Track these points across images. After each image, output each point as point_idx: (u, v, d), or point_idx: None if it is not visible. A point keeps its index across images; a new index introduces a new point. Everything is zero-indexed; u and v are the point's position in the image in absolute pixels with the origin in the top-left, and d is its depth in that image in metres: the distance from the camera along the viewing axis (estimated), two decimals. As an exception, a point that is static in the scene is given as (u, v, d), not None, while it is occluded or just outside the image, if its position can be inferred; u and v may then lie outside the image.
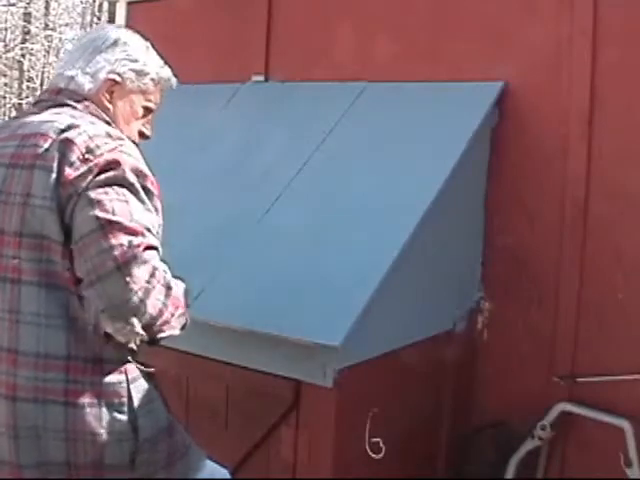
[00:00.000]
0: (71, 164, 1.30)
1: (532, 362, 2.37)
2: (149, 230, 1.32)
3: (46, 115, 1.42)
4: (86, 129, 1.36)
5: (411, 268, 2.01)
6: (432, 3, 2.56)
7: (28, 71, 12.75)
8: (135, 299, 1.27)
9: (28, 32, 12.49)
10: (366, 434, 1.88)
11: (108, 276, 1.26)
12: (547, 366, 2.32)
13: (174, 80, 1.59)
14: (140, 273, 1.27)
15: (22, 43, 12.45)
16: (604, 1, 2.23)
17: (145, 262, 1.28)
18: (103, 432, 1.33)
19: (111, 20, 9.37)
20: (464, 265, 2.40)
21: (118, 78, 1.49)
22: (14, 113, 12.63)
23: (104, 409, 1.34)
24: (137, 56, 1.52)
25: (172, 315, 1.36)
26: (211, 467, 1.53)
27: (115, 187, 1.31)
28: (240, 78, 2.87)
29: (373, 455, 1.89)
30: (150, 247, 1.30)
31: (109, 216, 1.28)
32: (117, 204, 1.29)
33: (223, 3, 3.07)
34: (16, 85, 12.71)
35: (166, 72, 1.57)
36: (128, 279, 1.26)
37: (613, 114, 2.23)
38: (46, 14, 13.02)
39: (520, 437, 2.29)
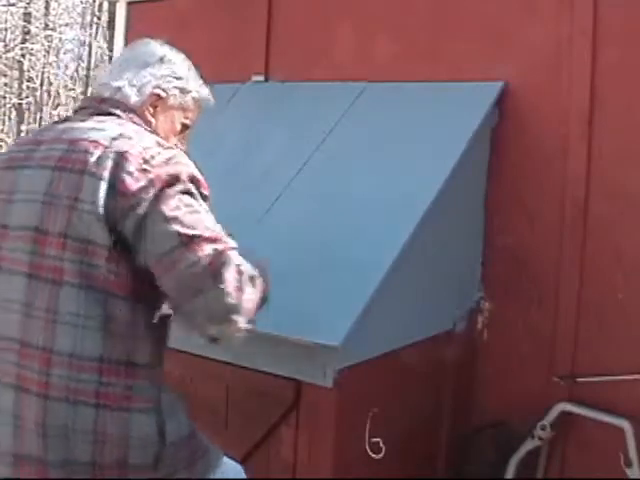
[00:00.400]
0: (130, 174, 1.34)
1: (532, 362, 2.37)
2: (222, 233, 1.39)
3: (92, 122, 1.46)
4: (138, 139, 1.41)
5: (411, 268, 2.01)
6: (432, 3, 2.56)
7: (28, 71, 12.74)
8: (234, 301, 1.33)
9: (28, 32, 12.48)
10: (366, 434, 1.88)
11: (205, 287, 1.31)
12: (547, 366, 2.33)
13: (212, 99, 1.65)
14: (231, 276, 1.33)
15: (22, 43, 12.45)
16: (604, 1, 2.23)
17: (231, 264, 1.34)
18: (131, 435, 1.35)
19: (111, 20, 9.38)
20: (464, 265, 2.40)
21: (163, 93, 1.55)
22: (14, 113, 12.66)
23: (134, 413, 1.36)
24: (181, 74, 1.59)
25: (261, 299, 1.44)
26: (229, 464, 1.56)
27: (183, 200, 1.36)
28: (240, 78, 2.87)
29: (373, 455, 1.89)
30: (231, 249, 1.36)
31: (189, 231, 1.33)
32: (190, 217, 1.35)
33: (223, 3, 3.07)
34: (16, 85, 12.70)
35: (205, 91, 1.64)
36: (222, 285, 1.31)
37: (613, 114, 2.23)
38: (46, 14, 13.01)
39: (520, 437, 2.29)
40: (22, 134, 12.36)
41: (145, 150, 1.38)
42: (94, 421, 1.33)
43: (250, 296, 1.38)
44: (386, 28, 2.64)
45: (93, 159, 1.36)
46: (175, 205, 1.35)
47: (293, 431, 1.88)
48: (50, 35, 12.72)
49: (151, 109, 1.54)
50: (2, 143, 12.25)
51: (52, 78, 13.01)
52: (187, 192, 1.38)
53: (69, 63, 13.67)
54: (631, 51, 2.20)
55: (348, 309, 1.82)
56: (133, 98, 1.52)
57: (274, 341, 1.84)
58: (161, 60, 1.57)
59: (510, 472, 2.28)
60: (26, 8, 12.31)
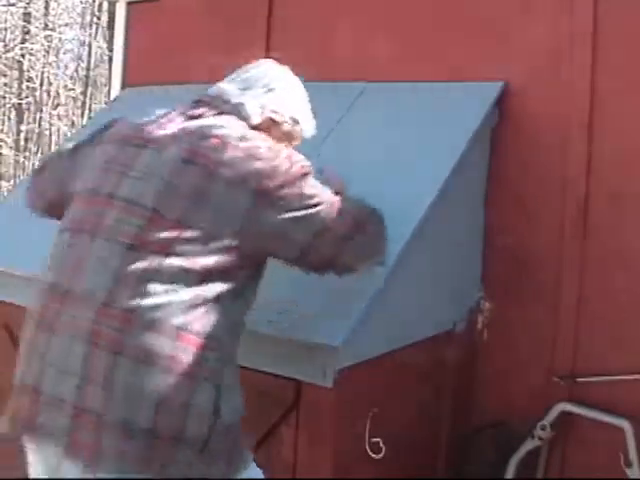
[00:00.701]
0: (262, 175, 1.48)
1: (532, 362, 2.37)
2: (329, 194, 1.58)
3: (214, 120, 1.56)
4: (262, 141, 1.55)
5: (411, 268, 2.01)
6: (432, 3, 2.57)
7: (28, 71, 12.74)
8: (377, 235, 1.67)
9: (28, 32, 12.48)
10: (366, 434, 1.88)
11: (352, 237, 1.58)
12: (547, 366, 2.33)
13: (314, 133, 1.81)
14: (369, 229, 1.64)
15: (22, 43, 12.44)
16: (604, 1, 2.23)
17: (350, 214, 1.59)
18: (190, 404, 1.41)
19: (111, 20, 9.38)
20: (464, 265, 2.40)
21: (279, 119, 1.67)
22: (14, 113, 12.65)
23: (199, 383, 1.43)
24: (298, 105, 1.74)
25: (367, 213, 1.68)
26: (254, 466, 1.61)
27: (306, 191, 1.54)
28: (240, 78, 2.86)
29: (373, 455, 1.89)
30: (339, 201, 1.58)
31: (323, 200, 1.55)
32: (318, 189, 1.56)
33: (223, 3, 3.07)
34: (16, 85, 12.69)
35: (312, 125, 1.79)
36: (366, 229, 1.62)
37: (613, 114, 2.23)
38: (46, 14, 13.01)
39: (520, 437, 2.29)
40: (22, 134, 12.37)
41: (269, 153, 1.52)
42: (159, 385, 1.39)
43: (379, 234, 1.68)
44: (386, 28, 2.64)
45: (225, 157, 1.48)
46: (308, 191, 1.53)
47: (293, 431, 1.88)
48: (50, 35, 12.72)
49: (265, 131, 1.63)
50: (2, 143, 12.25)
51: (52, 78, 13.00)
52: (308, 178, 1.55)
53: (69, 63, 13.68)
54: (631, 51, 2.20)
55: (348, 309, 1.82)
56: (254, 117, 1.62)
57: (274, 341, 1.84)
58: (284, 87, 1.71)
59: (510, 472, 2.28)
60: (26, 8, 12.30)
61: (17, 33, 12.74)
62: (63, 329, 1.44)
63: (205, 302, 1.44)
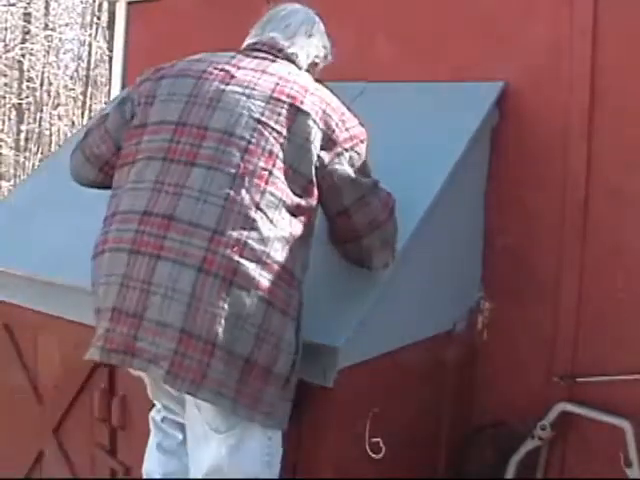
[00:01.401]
0: (337, 125, 1.62)
1: (532, 362, 2.37)
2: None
3: (287, 67, 1.71)
4: (328, 94, 1.70)
5: (411, 268, 2.01)
6: (432, 3, 2.56)
7: (28, 71, 12.73)
8: (395, 232, 1.79)
9: (28, 32, 12.47)
10: (366, 434, 1.88)
11: (385, 222, 1.73)
12: (547, 366, 2.32)
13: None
14: (395, 222, 1.78)
15: (22, 43, 12.44)
16: (604, 1, 2.23)
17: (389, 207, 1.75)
18: (282, 339, 1.51)
19: (111, 20, 9.37)
20: (464, 265, 2.40)
21: (319, 61, 1.87)
22: (14, 113, 12.65)
23: (289, 319, 1.54)
24: (326, 43, 1.90)
25: None
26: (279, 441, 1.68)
27: (365, 154, 1.71)
28: (240, 78, 2.86)
29: (373, 455, 1.89)
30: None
31: (375, 177, 1.73)
32: (368, 168, 1.72)
33: (223, 3, 3.07)
34: (16, 85, 12.69)
35: (332, 54, 1.96)
36: (394, 221, 1.76)
37: (613, 114, 2.23)
38: (46, 14, 13.00)
39: (520, 437, 2.29)
40: (22, 134, 12.37)
41: (339, 106, 1.68)
42: (261, 315, 1.48)
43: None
44: (386, 28, 2.64)
45: (306, 100, 1.60)
46: (366, 161, 1.69)
47: (293, 431, 1.87)
48: (50, 35, 12.71)
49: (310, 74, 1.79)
50: (2, 143, 12.25)
51: (52, 78, 13.00)
52: (366, 149, 1.70)
53: (69, 63, 13.67)
54: (631, 51, 2.20)
55: (348, 309, 1.82)
56: (303, 64, 1.79)
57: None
58: (317, 30, 1.86)
59: (510, 472, 2.28)
60: (26, 8, 12.30)
61: (17, 33, 12.73)
62: (170, 255, 1.46)
63: (294, 241, 1.54)
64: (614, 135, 2.23)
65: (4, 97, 12.54)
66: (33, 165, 12.05)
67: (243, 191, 1.48)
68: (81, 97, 13.18)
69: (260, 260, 1.47)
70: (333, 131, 1.61)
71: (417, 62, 2.55)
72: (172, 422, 1.82)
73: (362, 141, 1.70)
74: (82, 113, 12.89)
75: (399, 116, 2.39)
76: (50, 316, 2.31)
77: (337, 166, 1.61)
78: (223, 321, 1.43)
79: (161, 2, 3.29)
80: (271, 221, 1.50)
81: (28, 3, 12.29)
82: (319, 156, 1.58)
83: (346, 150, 1.63)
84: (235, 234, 1.46)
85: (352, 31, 2.68)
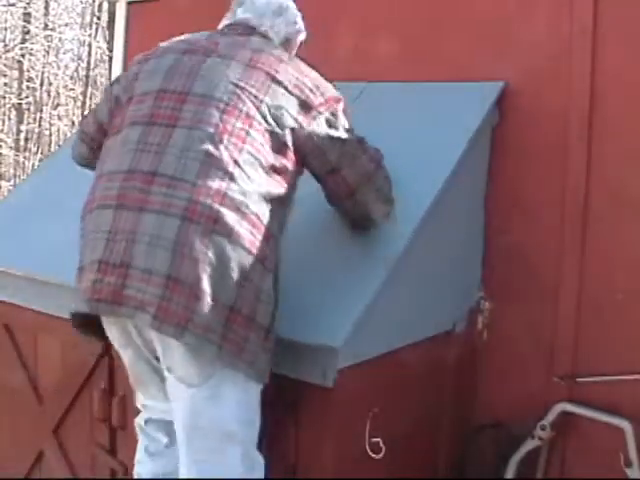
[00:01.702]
0: (311, 91, 1.71)
1: (532, 362, 2.37)
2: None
3: (260, 43, 1.78)
4: (303, 64, 1.80)
5: (411, 268, 2.01)
6: (432, 3, 2.56)
7: (28, 71, 12.73)
8: (389, 184, 1.88)
9: (28, 32, 12.47)
10: (366, 434, 1.88)
11: (375, 174, 1.82)
12: (547, 366, 2.32)
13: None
14: (385, 172, 1.88)
15: (22, 43, 12.44)
16: (604, 1, 2.23)
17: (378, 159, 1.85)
18: (261, 290, 1.58)
19: (111, 20, 9.37)
20: (464, 265, 2.40)
21: (291, 37, 1.92)
22: (14, 113, 12.65)
23: (267, 271, 1.61)
24: (296, 18, 1.94)
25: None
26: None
27: (343, 115, 1.80)
28: (240, 78, 2.86)
29: (373, 455, 1.89)
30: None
31: (359, 136, 1.81)
32: (351, 126, 1.80)
33: (223, 3, 3.07)
34: (16, 85, 12.69)
35: (303, 26, 1.99)
36: (384, 171, 1.87)
37: (613, 114, 2.23)
38: (46, 14, 13.00)
39: (520, 437, 2.29)
40: (22, 134, 12.36)
41: (313, 74, 1.77)
42: (242, 265, 1.54)
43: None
44: (386, 28, 2.64)
45: (281, 69, 1.69)
46: (344, 118, 1.77)
47: (293, 431, 1.88)
48: (50, 35, 12.71)
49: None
50: (2, 143, 12.25)
51: (52, 78, 12.99)
52: (343, 109, 1.79)
53: (69, 63, 13.67)
54: (631, 51, 2.20)
55: (348, 309, 1.82)
56: (276, 41, 1.85)
57: (274, 341, 1.84)
58: (286, 8, 1.91)
59: (510, 472, 2.28)
60: (26, 8, 12.29)
61: (17, 33, 12.73)
62: (154, 206, 1.53)
63: (271, 198, 1.62)
64: (614, 135, 2.23)
65: (4, 97, 12.53)
66: (33, 165, 12.04)
67: (222, 147, 1.58)
68: (81, 97, 13.17)
69: (239, 210, 1.55)
70: (307, 96, 1.70)
71: (417, 62, 2.55)
72: (156, 424, 1.86)
73: (337, 102, 1.78)
74: (82, 113, 12.88)
75: (399, 116, 2.39)
76: (50, 316, 2.31)
77: (316, 128, 1.70)
78: (207, 267, 1.49)
79: (161, 2, 3.29)
80: (249, 177, 1.58)
81: (28, 3, 12.29)
82: (297, 121, 1.67)
83: (322, 112, 1.72)
84: (215, 185, 1.54)
85: (352, 31, 2.68)
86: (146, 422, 1.87)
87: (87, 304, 1.58)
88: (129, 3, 3.47)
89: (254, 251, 1.56)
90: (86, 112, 12.33)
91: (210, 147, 1.57)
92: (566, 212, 2.30)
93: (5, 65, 12.41)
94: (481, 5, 2.46)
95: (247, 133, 1.61)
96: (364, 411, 1.89)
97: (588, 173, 2.26)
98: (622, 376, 2.17)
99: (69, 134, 11.52)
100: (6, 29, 12.67)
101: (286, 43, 1.90)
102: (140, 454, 1.89)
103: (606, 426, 2.17)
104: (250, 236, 1.56)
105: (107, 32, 11.75)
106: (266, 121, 1.64)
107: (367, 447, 1.88)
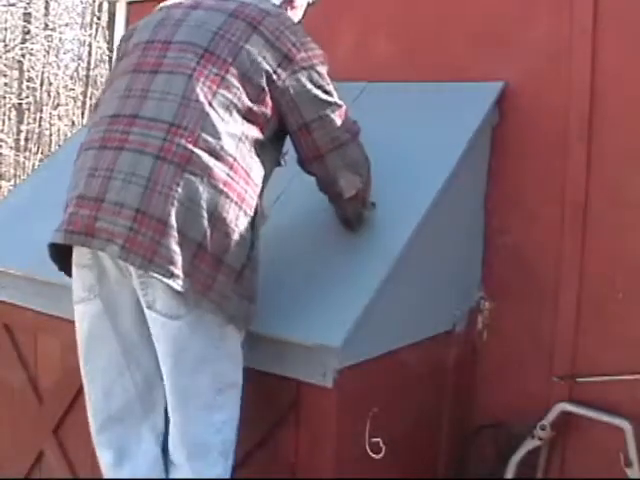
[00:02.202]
0: (294, 45, 1.73)
1: (532, 362, 2.37)
2: None
3: None
4: (291, 20, 1.81)
5: (411, 268, 2.01)
6: (432, 3, 2.56)
7: (28, 71, 12.73)
8: (363, 159, 1.88)
9: (28, 32, 12.47)
10: (366, 434, 1.88)
11: (347, 143, 1.81)
12: (547, 366, 2.32)
13: None
14: (359, 144, 1.86)
15: (22, 43, 12.44)
16: (604, 1, 2.23)
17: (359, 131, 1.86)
18: (234, 230, 1.61)
19: (111, 20, 9.38)
20: (464, 265, 2.40)
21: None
22: (14, 113, 12.65)
23: (243, 212, 1.65)
24: None
25: (370, 188, 1.96)
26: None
27: (326, 77, 1.80)
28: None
29: (373, 455, 1.89)
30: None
31: (340, 101, 1.81)
32: (333, 90, 1.81)
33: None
34: (16, 85, 12.69)
35: None
36: (359, 145, 1.85)
37: (613, 114, 2.23)
38: (46, 14, 13.00)
39: (520, 437, 2.29)
40: (22, 134, 12.36)
41: (300, 31, 1.77)
42: (214, 203, 1.59)
43: (369, 173, 1.92)
44: (386, 28, 2.64)
45: (264, 22, 1.72)
46: (326, 80, 1.78)
47: (293, 431, 1.88)
48: (50, 35, 12.71)
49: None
50: (2, 143, 12.25)
51: (52, 78, 12.99)
52: (326, 72, 1.80)
53: (69, 63, 13.66)
54: (631, 51, 2.20)
55: (348, 309, 1.82)
56: (276, 1, 1.86)
57: (274, 341, 1.84)
58: None
59: (510, 472, 2.28)
60: (26, 8, 12.30)
61: (17, 33, 12.73)
62: (132, 145, 1.60)
63: (249, 141, 1.68)
64: (614, 135, 2.23)
65: (4, 97, 12.54)
66: (33, 165, 12.04)
67: (197, 89, 1.64)
68: (81, 97, 13.17)
69: (214, 151, 1.61)
70: (289, 50, 1.72)
71: (417, 62, 2.55)
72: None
73: (322, 63, 1.79)
74: (82, 113, 12.89)
75: (399, 116, 2.39)
76: (50, 316, 2.31)
77: (294, 82, 1.72)
78: (176, 203, 1.55)
79: (161, 2, 3.29)
80: (222, 119, 1.63)
81: (28, 3, 12.29)
82: (275, 72, 1.70)
83: (304, 68, 1.73)
84: (190, 126, 1.60)
85: (352, 31, 2.68)
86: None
87: (62, 235, 1.64)
88: (129, 3, 3.47)
89: (228, 191, 1.61)
90: (86, 112, 12.37)
91: (186, 90, 1.64)
92: (566, 212, 2.30)
93: (5, 65, 12.41)
94: (481, 5, 2.46)
95: (222, 78, 1.66)
96: (364, 411, 1.89)
97: (588, 173, 2.26)
98: (622, 376, 2.17)
99: (69, 134, 11.53)
100: (6, 29, 12.67)
101: (288, 3, 1.90)
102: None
103: (606, 426, 2.17)
104: (226, 177, 1.61)
105: (107, 32, 11.76)
106: (244, 68, 1.68)
107: (367, 447, 1.88)
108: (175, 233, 1.54)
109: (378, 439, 1.89)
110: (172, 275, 1.54)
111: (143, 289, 1.61)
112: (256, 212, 1.70)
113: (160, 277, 1.54)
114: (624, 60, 2.21)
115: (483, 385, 2.45)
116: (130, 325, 1.72)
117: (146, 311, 1.65)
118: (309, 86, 1.74)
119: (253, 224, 1.68)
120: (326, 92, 1.78)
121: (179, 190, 1.56)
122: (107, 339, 1.73)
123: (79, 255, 1.71)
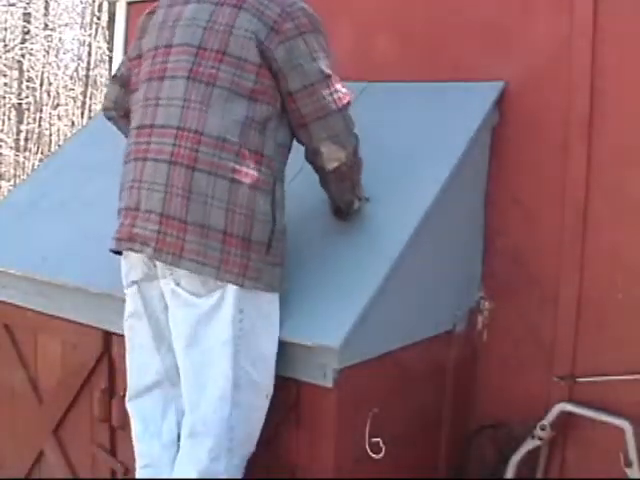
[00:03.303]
0: (279, 15, 1.76)
1: (532, 362, 2.37)
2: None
3: None
4: None
5: (411, 268, 2.01)
6: (432, 3, 2.56)
7: (28, 71, 12.72)
8: (347, 133, 1.86)
9: (28, 32, 12.47)
10: (366, 434, 1.88)
11: (332, 114, 1.81)
12: (547, 366, 2.32)
13: None
14: (350, 118, 1.86)
15: (22, 43, 12.43)
16: (604, 1, 2.23)
17: (349, 106, 1.86)
18: (254, 210, 1.72)
19: (111, 20, 9.37)
20: (464, 265, 2.40)
21: None
22: (14, 113, 12.64)
23: (259, 191, 1.74)
24: None
25: (360, 180, 2.01)
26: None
27: (322, 44, 1.83)
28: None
29: (373, 455, 1.89)
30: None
31: (328, 70, 1.82)
32: (326, 60, 1.82)
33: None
34: (16, 85, 12.69)
35: None
36: (344, 117, 1.84)
37: (613, 114, 2.23)
38: (46, 14, 12.99)
39: (520, 437, 2.29)
40: (22, 134, 12.36)
41: (287, 2, 1.80)
42: (228, 192, 1.70)
43: (357, 147, 1.91)
44: (386, 28, 2.64)
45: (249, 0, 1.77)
46: (313, 48, 1.79)
47: (293, 431, 1.88)
48: (50, 35, 12.71)
49: None
50: (2, 143, 12.25)
51: (52, 78, 12.99)
52: (323, 39, 1.83)
53: (69, 63, 13.66)
54: (631, 51, 2.20)
55: (348, 309, 1.82)
56: None
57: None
58: None
59: (510, 472, 2.28)
60: (26, 8, 12.29)
61: (17, 33, 12.72)
62: (151, 155, 1.75)
63: (255, 124, 1.74)
64: (614, 135, 2.23)
65: (4, 97, 12.53)
66: (33, 165, 12.04)
67: (195, 92, 1.74)
68: (81, 97, 13.17)
69: (217, 145, 1.71)
70: (275, 21, 1.76)
71: (417, 62, 2.55)
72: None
73: (312, 31, 1.80)
74: (82, 113, 12.89)
75: (399, 116, 2.39)
76: (50, 316, 2.31)
77: (281, 52, 1.76)
78: (192, 201, 1.69)
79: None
80: (223, 110, 1.72)
81: (28, 3, 12.28)
82: (263, 44, 1.75)
83: (289, 38, 1.77)
84: (193, 127, 1.72)
85: (352, 31, 2.68)
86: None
87: (114, 243, 1.84)
88: (129, 3, 3.47)
89: (240, 178, 1.71)
90: (86, 112, 12.37)
91: (186, 92, 1.74)
92: (566, 212, 2.30)
93: (5, 65, 12.41)
94: (481, 5, 2.46)
95: (218, 69, 1.74)
96: (364, 411, 1.89)
97: (588, 173, 2.26)
98: (622, 376, 2.17)
99: (69, 134, 11.53)
100: (6, 29, 12.66)
101: None
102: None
103: (606, 426, 2.17)
104: (233, 165, 1.71)
105: (107, 32, 11.76)
106: (237, 52, 1.74)
107: (367, 447, 1.88)
108: (197, 228, 1.68)
109: (378, 439, 1.89)
110: (203, 265, 1.69)
111: (170, 270, 1.75)
112: (274, 187, 1.78)
113: (192, 270, 1.69)
114: (624, 60, 2.21)
115: (483, 385, 2.45)
116: (160, 312, 1.87)
117: (171, 289, 1.77)
118: (293, 55, 1.77)
119: (274, 198, 1.77)
120: (313, 60, 1.79)
121: (192, 189, 1.69)
122: (142, 319, 1.89)
123: (125, 254, 1.90)
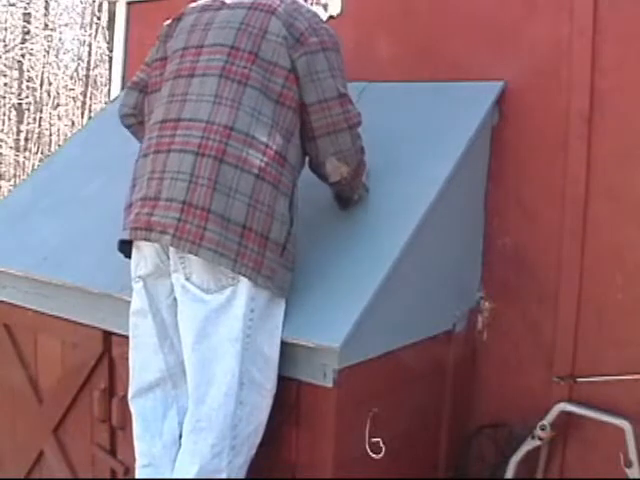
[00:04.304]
0: (307, 29, 1.85)
1: (532, 362, 2.37)
2: None
3: None
4: (306, 6, 1.95)
5: (411, 268, 2.01)
6: (432, 2, 2.56)
7: (28, 71, 12.73)
8: (354, 150, 1.93)
9: (28, 32, 12.48)
10: (366, 434, 1.88)
11: (341, 131, 1.88)
12: (547, 366, 2.32)
13: None
14: (358, 136, 1.94)
15: (22, 43, 12.44)
16: (604, 1, 2.23)
17: (360, 126, 1.94)
18: (275, 210, 1.76)
19: (111, 20, 9.38)
20: (464, 265, 2.40)
21: None
22: (14, 113, 12.65)
23: (280, 192, 1.78)
24: None
25: (361, 182, 2.07)
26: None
27: (340, 64, 1.90)
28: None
29: (373, 455, 1.89)
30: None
31: (344, 90, 1.89)
32: (343, 80, 1.90)
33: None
34: (16, 85, 12.69)
35: None
36: (352, 136, 1.91)
37: (613, 114, 2.23)
38: (46, 14, 13.01)
39: (520, 437, 2.29)
40: (22, 134, 12.37)
41: (315, 18, 1.90)
42: (252, 187, 1.74)
43: (362, 164, 2.00)
44: (386, 28, 2.64)
45: (280, 9, 1.85)
46: (332, 66, 1.86)
47: (293, 431, 1.88)
48: (50, 35, 12.71)
49: None
50: (2, 143, 12.25)
51: (52, 78, 13.00)
52: (342, 60, 1.91)
53: (69, 63, 13.67)
54: (631, 51, 2.20)
55: (348, 309, 1.82)
56: None
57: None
58: None
59: (510, 472, 2.28)
60: (26, 8, 12.30)
61: (17, 33, 12.73)
62: (177, 146, 1.78)
63: (280, 128, 1.80)
64: (614, 135, 2.23)
65: (4, 97, 12.54)
66: (33, 165, 12.05)
67: (227, 89, 1.79)
68: (81, 97, 13.18)
69: (246, 141, 1.75)
70: (302, 34, 1.83)
71: (417, 62, 2.55)
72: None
73: (333, 50, 1.88)
74: (82, 113, 12.90)
75: (399, 116, 2.39)
76: (50, 316, 2.31)
77: (303, 64, 1.83)
78: (217, 192, 1.72)
79: (161, 2, 3.29)
80: (253, 109, 1.78)
81: (28, 3, 12.29)
82: (291, 53, 1.82)
83: (313, 52, 1.84)
84: (223, 121, 1.76)
85: (352, 31, 2.68)
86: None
87: (129, 232, 1.82)
88: (129, 3, 3.47)
89: (263, 175, 1.75)
90: (86, 112, 12.37)
91: (218, 89, 1.79)
92: (566, 212, 2.30)
93: (5, 65, 12.41)
94: (481, 5, 2.46)
95: (250, 70, 1.80)
96: (364, 411, 1.89)
97: (588, 173, 2.26)
98: (622, 376, 2.17)
99: (69, 134, 11.53)
100: (6, 29, 12.67)
101: None
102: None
103: (606, 426, 2.17)
104: (260, 162, 1.75)
105: (107, 32, 11.76)
106: (268, 54, 1.81)
107: (367, 447, 1.88)
108: (218, 218, 1.71)
109: (378, 439, 1.89)
110: (221, 255, 1.70)
111: (182, 262, 1.77)
112: (293, 191, 1.84)
113: (211, 259, 1.70)
114: (624, 60, 2.21)
115: (483, 385, 2.45)
116: (165, 310, 1.88)
117: (181, 283, 1.78)
118: (313, 69, 1.83)
119: (291, 202, 1.82)
120: (332, 77, 1.86)
121: (218, 180, 1.72)
122: (147, 316, 1.89)
123: (136, 245, 1.90)
